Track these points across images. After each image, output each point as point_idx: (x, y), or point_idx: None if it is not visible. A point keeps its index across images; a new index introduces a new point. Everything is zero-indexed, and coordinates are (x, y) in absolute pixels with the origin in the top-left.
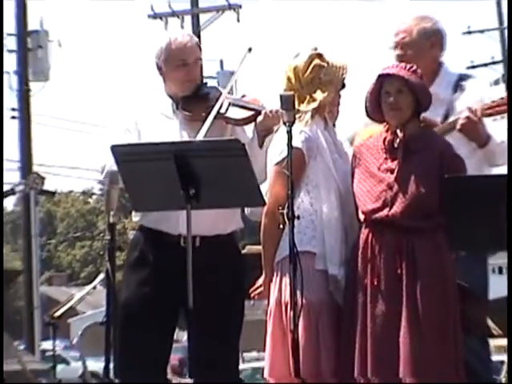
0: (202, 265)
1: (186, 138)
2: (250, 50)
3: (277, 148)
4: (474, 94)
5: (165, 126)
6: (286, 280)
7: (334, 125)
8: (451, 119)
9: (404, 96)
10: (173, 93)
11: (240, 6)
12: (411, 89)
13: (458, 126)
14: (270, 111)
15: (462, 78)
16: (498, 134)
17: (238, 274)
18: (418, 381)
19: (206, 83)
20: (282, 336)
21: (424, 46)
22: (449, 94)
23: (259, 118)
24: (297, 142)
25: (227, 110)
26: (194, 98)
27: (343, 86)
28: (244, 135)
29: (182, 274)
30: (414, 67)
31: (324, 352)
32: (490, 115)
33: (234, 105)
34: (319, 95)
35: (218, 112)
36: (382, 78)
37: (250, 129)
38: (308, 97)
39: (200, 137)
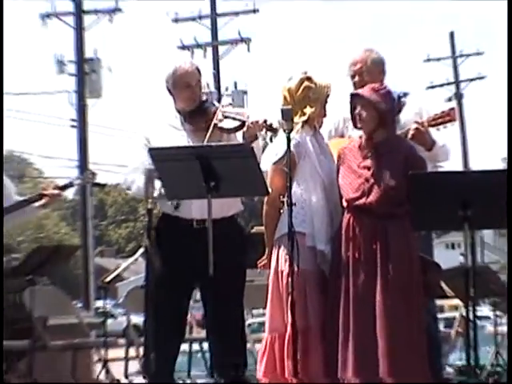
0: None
1: (191, 144)
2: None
3: (273, 150)
4: (413, 106)
5: (175, 136)
6: (283, 253)
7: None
8: (404, 129)
9: (367, 111)
10: (180, 108)
11: (250, 40)
12: (373, 106)
13: (409, 136)
14: (252, 122)
15: (403, 95)
16: (440, 139)
17: (239, 248)
18: (388, 322)
19: (206, 100)
20: (278, 297)
21: (376, 72)
22: (391, 102)
23: (244, 128)
24: (288, 147)
25: (221, 121)
26: (197, 113)
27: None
28: (236, 140)
29: (195, 249)
30: (382, 88)
31: (311, 309)
32: (433, 126)
33: (227, 117)
34: (308, 110)
35: (215, 124)
36: (353, 97)
37: (240, 135)
38: (299, 111)
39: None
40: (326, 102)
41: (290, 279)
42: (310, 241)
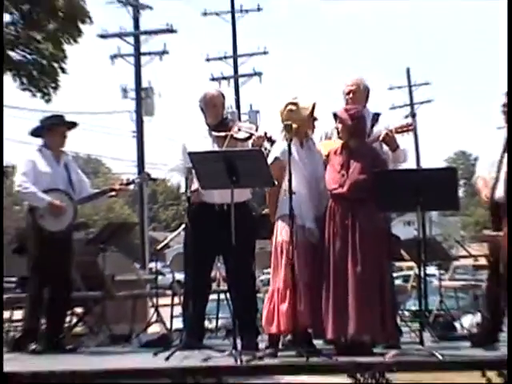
0: (228, 220)
1: (216, 149)
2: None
3: (272, 154)
4: (383, 123)
5: (205, 144)
6: (282, 230)
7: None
8: (377, 135)
9: (341, 126)
10: (209, 122)
11: (261, 73)
12: (344, 122)
13: (380, 138)
14: (257, 136)
15: (376, 115)
16: (401, 144)
17: (250, 224)
18: (357, 283)
19: (226, 117)
20: (278, 260)
21: (363, 95)
22: (369, 121)
23: (251, 140)
24: (278, 153)
25: (236, 133)
26: (220, 126)
27: (315, 118)
28: (247, 147)
29: (217, 225)
30: (352, 110)
31: (298, 270)
32: (398, 133)
33: (240, 130)
34: (293, 127)
35: (231, 135)
36: (334, 115)
37: (249, 144)
38: (288, 127)
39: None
40: (311, 118)
41: (290, 247)
42: (299, 221)
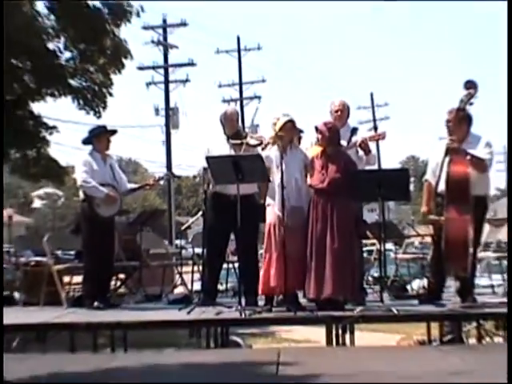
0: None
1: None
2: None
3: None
4: (359, 135)
5: (224, 149)
6: (273, 215)
7: (299, 142)
8: (354, 142)
9: (320, 136)
10: (227, 132)
11: (260, 97)
12: (322, 133)
13: (357, 144)
14: (265, 144)
15: (354, 129)
16: (373, 149)
17: (255, 211)
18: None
19: (239, 130)
20: (269, 236)
21: (346, 114)
22: (349, 133)
23: (261, 146)
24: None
25: (248, 141)
26: (235, 136)
27: (300, 131)
28: (256, 152)
29: (231, 211)
30: (329, 123)
31: (292, 244)
32: (372, 140)
33: (252, 138)
34: (272, 138)
35: (246, 142)
36: (316, 128)
37: (259, 149)
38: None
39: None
40: (291, 131)
41: (282, 229)
42: (275, 209)
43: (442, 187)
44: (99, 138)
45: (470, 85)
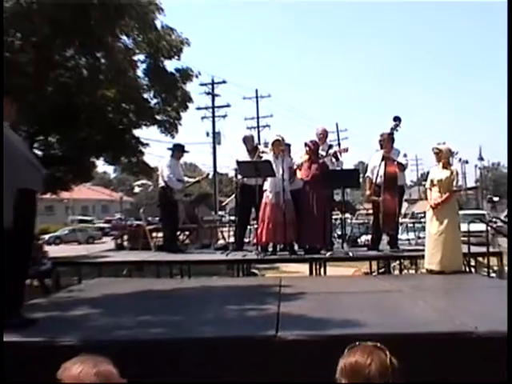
0: (258, 192)
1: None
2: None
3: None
4: (333, 148)
5: (246, 157)
6: (265, 198)
7: (286, 153)
8: (330, 153)
9: (309, 149)
10: (248, 148)
11: (270, 126)
12: (309, 147)
13: (331, 154)
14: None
15: (330, 145)
16: (340, 157)
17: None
18: (314, 219)
19: (256, 145)
20: (263, 211)
21: (325, 136)
22: (326, 147)
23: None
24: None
25: (261, 152)
26: (253, 150)
27: (288, 144)
28: (266, 158)
29: (254, 194)
30: (314, 141)
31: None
32: (339, 152)
33: (263, 152)
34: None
35: (260, 152)
36: (305, 144)
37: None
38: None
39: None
40: (278, 145)
41: (284, 205)
42: (273, 192)
43: (379, 180)
44: (178, 151)
45: (396, 119)
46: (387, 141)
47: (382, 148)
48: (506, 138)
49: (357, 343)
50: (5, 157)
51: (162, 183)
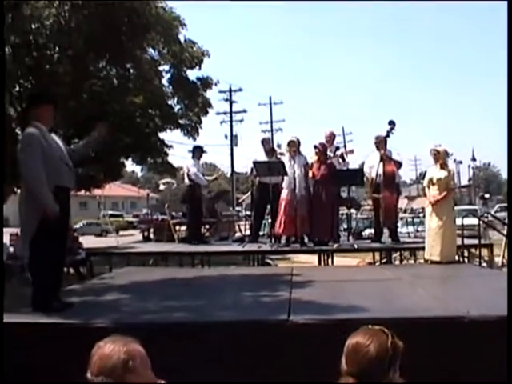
0: (273, 189)
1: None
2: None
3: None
4: (340, 149)
5: (263, 157)
6: (284, 194)
7: (299, 153)
8: (337, 154)
9: (318, 151)
10: (265, 149)
11: (282, 129)
12: (318, 149)
13: (339, 155)
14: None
15: (337, 147)
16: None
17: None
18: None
19: (273, 147)
20: (281, 206)
21: (333, 138)
22: (334, 149)
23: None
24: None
25: (279, 154)
26: (270, 150)
27: (297, 143)
28: (280, 159)
29: (268, 191)
30: (322, 144)
31: (300, 207)
32: (346, 154)
33: (281, 154)
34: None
35: (277, 154)
36: (314, 146)
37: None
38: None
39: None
40: (293, 146)
41: (296, 200)
42: (289, 188)
43: (378, 179)
44: (198, 152)
45: (391, 123)
46: (383, 143)
47: (377, 149)
48: (498, 140)
49: (369, 327)
50: (45, 158)
51: (187, 181)
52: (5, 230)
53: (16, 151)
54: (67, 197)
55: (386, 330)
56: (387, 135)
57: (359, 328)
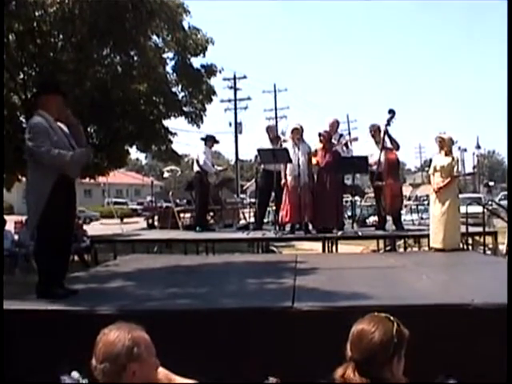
0: (277, 176)
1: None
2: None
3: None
4: (344, 137)
5: (268, 145)
6: (288, 182)
7: (303, 140)
8: (341, 142)
9: (323, 138)
10: (270, 137)
11: (287, 116)
12: (323, 136)
13: (343, 143)
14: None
15: (341, 135)
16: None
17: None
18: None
19: (278, 135)
20: (286, 194)
21: (336, 126)
22: (338, 136)
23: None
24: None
25: (283, 141)
26: (275, 138)
27: (301, 130)
28: (284, 146)
29: (273, 178)
30: (327, 132)
31: (304, 196)
32: (350, 141)
33: (285, 141)
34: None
35: (281, 141)
36: (319, 134)
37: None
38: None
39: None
40: (297, 133)
41: (299, 187)
42: (293, 175)
43: (381, 167)
44: (210, 141)
45: (391, 111)
46: (378, 132)
47: (373, 137)
48: (503, 128)
49: (375, 314)
50: (51, 146)
51: (196, 168)
52: (10, 217)
53: (20, 139)
54: (72, 185)
55: (391, 318)
56: (388, 124)
57: (364, 315)
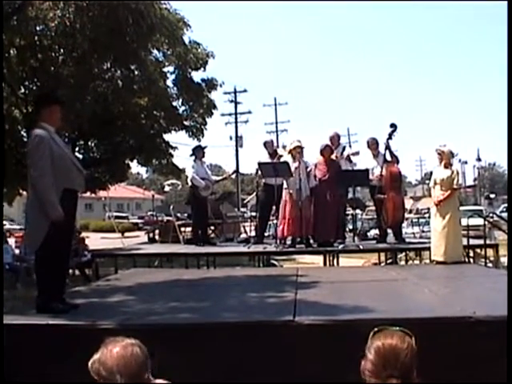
0: (278, 191)
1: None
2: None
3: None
4: (347, 150)
5: (267, 159)
6: (287, 195)
7: (303, 156)
8: (343, 155)
9: (325, 151)
10: (269, 151)
11: (287, 130)
12: (325, 149)
13: (345, 156)
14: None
15: (343, 147)
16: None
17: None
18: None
19: (275, 149)
20: (284, 208)
21: (338, 139)
22: (341, 149)
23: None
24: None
25: (280, 155)
26: (273, 153)
27: (301, 148)
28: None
29: (274, 192)
30: (328, 144)
31: (304, 209)
32: (352, 155)
33: (281, 156)
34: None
35: (279, 155)
36: (325, 146)
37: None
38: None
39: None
40: (297, 150)
41: (300, 201)
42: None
43: (383, 181)
44: (198, 152)
45: (393, 125)
46: (376, 147)
47: (370, 149)
48: (504, 140)
49: (397, 328)
50: (56, 159)
51: (190, 183)
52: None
53: (21, 153)
54: (75, 199)
55: (409, 332)
56: (389, 137)
57: (365, 329)
